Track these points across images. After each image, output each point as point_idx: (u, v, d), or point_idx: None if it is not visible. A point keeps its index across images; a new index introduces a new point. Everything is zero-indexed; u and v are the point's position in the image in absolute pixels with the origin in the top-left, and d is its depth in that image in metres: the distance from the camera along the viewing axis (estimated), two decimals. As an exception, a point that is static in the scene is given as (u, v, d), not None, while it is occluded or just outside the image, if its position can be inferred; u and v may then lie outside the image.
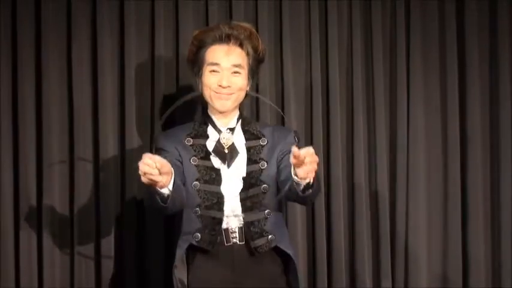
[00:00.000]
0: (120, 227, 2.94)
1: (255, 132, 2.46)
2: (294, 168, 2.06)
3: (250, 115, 2.98)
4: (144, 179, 2.01)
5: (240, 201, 2.36)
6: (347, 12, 3.14)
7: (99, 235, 2.92)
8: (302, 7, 3.10)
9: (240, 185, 2.37)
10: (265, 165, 2.39)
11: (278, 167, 2.39)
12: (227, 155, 2.39)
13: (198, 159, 2.36)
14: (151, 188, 2.08)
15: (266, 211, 2.36)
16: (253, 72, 2.46)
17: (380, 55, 3.15)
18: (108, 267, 2.92)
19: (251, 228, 2.35)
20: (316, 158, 2.04)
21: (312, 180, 2.11)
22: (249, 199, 2.36)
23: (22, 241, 2.88)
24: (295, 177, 2.09)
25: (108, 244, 2.92)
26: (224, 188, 2.36)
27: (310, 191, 2.14)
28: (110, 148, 2.94)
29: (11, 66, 2.90)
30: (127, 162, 2.94)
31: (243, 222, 2.36)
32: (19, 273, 2.88)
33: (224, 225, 2.36)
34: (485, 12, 3.22)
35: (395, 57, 3.17)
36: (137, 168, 2.00)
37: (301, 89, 3.07)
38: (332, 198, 3.09)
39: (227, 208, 2.35)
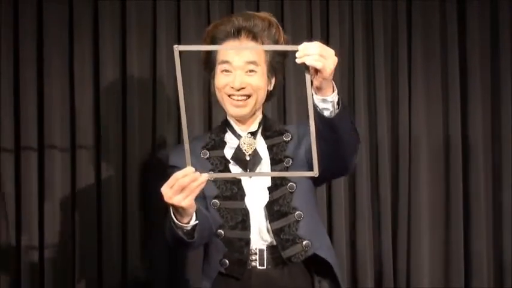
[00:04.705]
0: (122, 230, 2.93)
1: (278, 129, 2.16)
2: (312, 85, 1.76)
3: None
4: (183, 202, 1.77)
5: (266, 206, 2.06)
6: (348, 11, 3.14)
7: (101, 240, 2.92)
8: (303, 6, 3.10)
9: (266, 197, 2.06)
10: (290, 162, 2.08)
11: (309, 159, 1.97)
12: (249, 162, 2.08)
13: (216, 173, 2.05)
14: (175, 223, 1.85)
15: (296, 213, 2.05)
16: (275, 69, 2.14)
17: (381, 54, 3.15)
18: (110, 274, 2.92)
19: (281, 236, 2.03)
20: (328, 50, 1.74)
21: (335, 95, 1.78)
22: (275, 202, 2.05)
23: (23, 244, 2.88)
24: (315, 95, 1.78)
25: (110, 247, 2.92)
26: (248, 202, 2.06)
27: (338, 108, 1.79)
28: (111, 148, 2.93)
29: (12, 67, 2.89)
30: (128, 162, 2.93)
31: (266, 243, 2.06)
32: (20, 274, 2.87)
33: None
34: (486, 10, 3.22)
35: (397, 56, 3.17)
36: (161, 197, 1.77)
37: (302, 88, 3.05)
38: (333, 197, 3.08)
39: (252, 225, 2.06)
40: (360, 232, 3.09)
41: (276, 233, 2.03)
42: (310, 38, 3.08)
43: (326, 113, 1.79)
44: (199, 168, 1.91)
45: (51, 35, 2.91)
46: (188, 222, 1.85)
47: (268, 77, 2.12)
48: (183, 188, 1.75)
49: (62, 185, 2.91)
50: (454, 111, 3.18)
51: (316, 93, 1.78)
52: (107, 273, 2.90)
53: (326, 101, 1.79)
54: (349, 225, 3.11)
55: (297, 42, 3.00)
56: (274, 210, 2.04)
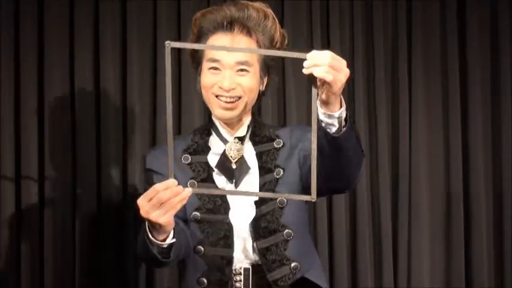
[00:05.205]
0: (121, 232, 2.92)
1: (268, 134, 1.94)
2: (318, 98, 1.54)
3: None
4: (161, 218, 1.56)
5: (252, 222, 1.84)
6: (348, 12, 3.13)
7: (101, 240, 2.91)
8: (303, 7, 3.10)
9: (252, 211, 1.85)
10: (281, 173, 1.87)
11: (302, 169, 1.87)
12: (235, 171, 1.87)
13: (198, 182, 1.83)
14: (149, 239, 1.65)
15: (286, 232, 1.84)
16: (268, 67, 1.93)
17: (381, 57, 3.14)
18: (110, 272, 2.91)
19: (267, 256, 1.82)
20: (340, 62, 1.53)
21: (343, 110, 1.58)
22: (263, 218, 1.83)
23: (23, 243, 2.88)
24: (320, 110, 1.56)
25: (110, 248, 2.91)
26: (232, 216, 1.85)
27: (345, 126, 1.58)
28: (111, 148, 2.93)
29: (13, 69, 2.89)
30: (128, 163, 2.93)
31: (252, 262, 1.85)
32: (20, 274, 2.87)
33: None
34: (486, 13, 3.20)
35: (397, 58, 3.16)
36: (137, 209, 1.58)
37: (302, 91, 3.06)
38: (334, 200, 3.08)
39: (236, 242, 1.85)
40: (360, 232, 3.09)
41: (262, 252, 1.82)
42: (310, 39, 3.09)
43: (332, 129, 1.60)
44: (179, 174, 1.80)
45: (51, 36, 2.91)
46: (164, 240, 1.66)
47: (260, 76, 1.91)
48: (163, 202, 1.55)
49: (62, 185, 2.90)
50: (454, 113, 3.17)
51: (321, 108, 1.59)
52: (107, 274, 2.90)
53: (332, 116, 1.59)
54: (349, 226, 3.10)
55: (297, 43, 3.04)
56: (261, 227, 1.83)
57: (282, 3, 3.08)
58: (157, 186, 1.55)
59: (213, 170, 1.87)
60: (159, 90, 2.96)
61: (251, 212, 1.85)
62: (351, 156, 1.67)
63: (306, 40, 3.09)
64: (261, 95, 1.95)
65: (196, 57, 1.92)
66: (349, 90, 3.12)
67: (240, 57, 1.85)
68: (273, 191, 1.84)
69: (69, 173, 2.91)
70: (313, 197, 1.55)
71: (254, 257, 1.85)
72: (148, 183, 1.83)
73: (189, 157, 1.90)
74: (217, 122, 1.94)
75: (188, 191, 1.56)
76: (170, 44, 1.53)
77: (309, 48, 3.05)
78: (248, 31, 1.87)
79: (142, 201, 1.57)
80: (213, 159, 1.90)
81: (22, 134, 2.89)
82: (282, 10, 3.06)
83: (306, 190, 1.78)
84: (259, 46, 1.86)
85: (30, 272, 2.87)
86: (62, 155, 2.91)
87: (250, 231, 1.84)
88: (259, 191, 1.85)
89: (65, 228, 2.90)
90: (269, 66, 1.93)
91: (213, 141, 1.93)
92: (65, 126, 2.91)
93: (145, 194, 1.57)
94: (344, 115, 1.61)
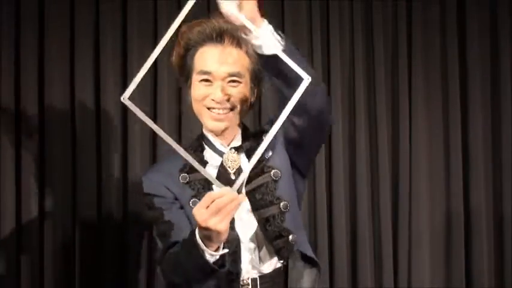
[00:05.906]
0: (121, 241, 2.93)
1: (257, 133, 1.94)
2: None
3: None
4: (219, 225, 1.59)
5: (247, 194, 1.83)
6: (348, 12, 3.14)
7: (101, 240, 2.91)
8: (303, 8, 3.10)
9: (255, 223, 1.84)
10: (270, 153, 1.87)
11: (285, 138, 1.87)
12: (235, 181, 1.74)
13: (199, 200, 1.71)
14: (202, 250, 1.66)
15: (282, 204, 1.84)
16: (259, 77, 1.90)
17: (381, 57, 3.15)
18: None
19: (267, 227, 1.83)
20: None
21: (266, 24, 1.66)
22: (257, 190, 1.82)
23: (23, 244, 2.88)
24: (246, 37, 1.65)
25: (110, 248, 2.91)
26: (237, 228, 1.84)
27: (283, 42, 1.64)
28: (112, 149, 2.93)
29: (13, 70, 2.89)
30: (129, 163, 2.93)
31: (259, 272, 1.86)
32: (20, 274, 2.87)
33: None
34: (486, 16, 3.22)
35: (397, 59, 3.17)
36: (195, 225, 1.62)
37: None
38: (333, 198, 3.09)
39: (243, 254, 1.84)
40: (360, 232, 3.10)
41: (262, 223, 1.82)
42: (310, 40, 3.09)
43: (267, 49, 1.67)
44: (180, 194, 1.85)
45: (52, 37, 2.91)
46: (217, 250, 1.68)
47: (251, 87, 1.90)
48: (220, 209, 1.59)
49: (62, 185, 2.90)
50: (454, 114, 3.18)
51: (247, 34, 1.68)
52: (107, 283, 2.90)
53: (256, 37, 1.67)
54: (349, 225, 3.11)
55: (297, 43, 3.04)
56: (256, 199, 1.82)
57: (282, 3, 3.08)
58: (213, 194, 1.60)
59: (213, 184, 1.77)
60: (159, 92, 2.96)
61: (253, 220, 1.85)
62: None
63: (306, 40, 3.09)
64: (251, 105, 1.93)
65: (186, 71, 1.90)
66: (349, 91, 3.12)
67: (232, 69, 1.84)
68: (265, 166, 1.85)
69: (69, 182, 2.90)
70: (307, 77, 1.59)
71: (260, 266, 1.86)
72: (150, 208, 1.90)
73: (187, 176, 1.88)
74: (209, 135, 1.91)
75: (243, 196, 1.62)
76: (124, 98, 1.58)
77: (310, 48, 3.08)
78: (238, 42, 1.85)
79: (199, 210, 1.60)
80: (211, 172, 1.83)
81: (22, 131, 2.89)
82: (282, 10, 3.07)
83: (296, 164, 1.89)
84: (249, 56, 1.85)
85: (31, 281, 2.87)
86: (62, 164, 2.90)
87: (255, 238, 1.85)
88: (251, 171, 1.76)
89: (65, 238, 2.89)
90: (259, 77, 1.90)
91: (208, 155, 1.91)
92: (64, 124, 2.91)
93: (200, 202, 1.61)
94: (273, 30, 1.68)
